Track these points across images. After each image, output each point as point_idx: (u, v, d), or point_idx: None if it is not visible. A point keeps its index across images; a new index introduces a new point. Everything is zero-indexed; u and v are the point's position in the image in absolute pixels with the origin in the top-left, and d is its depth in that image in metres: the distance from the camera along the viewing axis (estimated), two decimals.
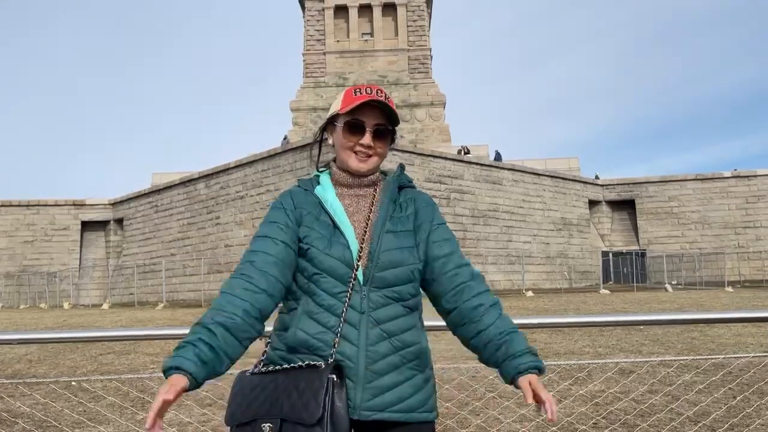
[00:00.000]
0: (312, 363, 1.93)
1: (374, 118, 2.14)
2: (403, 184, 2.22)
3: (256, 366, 2.07)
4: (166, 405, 1.71)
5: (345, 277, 2.01)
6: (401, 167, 2.26)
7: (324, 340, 1.98)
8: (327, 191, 2.16)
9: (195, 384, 1.81)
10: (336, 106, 2.19)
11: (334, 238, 2.05)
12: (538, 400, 1.89)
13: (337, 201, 2.13)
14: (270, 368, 1.99)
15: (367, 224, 2.10)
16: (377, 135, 2.15)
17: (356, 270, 2.01)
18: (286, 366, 1.96)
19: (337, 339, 1.97)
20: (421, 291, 2.17)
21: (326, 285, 2.02)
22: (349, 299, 2.00)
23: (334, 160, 2.24)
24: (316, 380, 1.87)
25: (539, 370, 1.96)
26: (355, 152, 2.15)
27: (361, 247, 2.04)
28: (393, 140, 2.24)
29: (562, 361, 8.46)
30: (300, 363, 1.95)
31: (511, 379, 1.95)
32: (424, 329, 2.17)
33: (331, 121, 2.22)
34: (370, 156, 2.15)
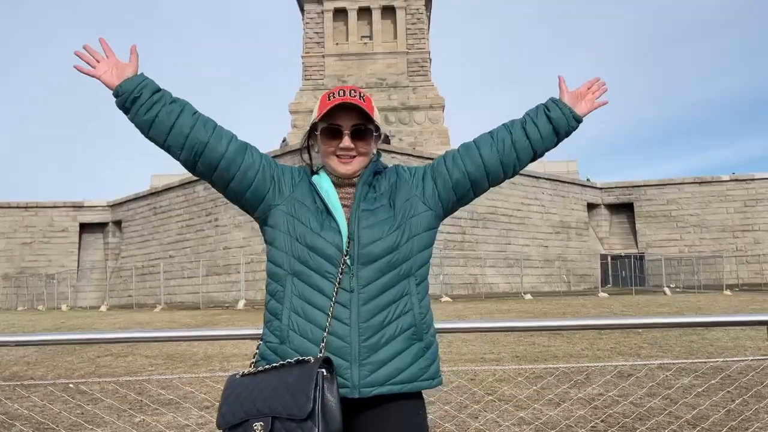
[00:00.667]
0: (301, 359, 1.95)
1: (351, 120, 2.16)
2: (378, 170, 2.25)
3: (249, 366, 2.10)
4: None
5: (334, 258, 2.05)
6: (377, 155, 2.28)
7: (317, 322, 2.02)
8: (323, 180, 2.21)
9: (132, 80, 2.13)
10: (314, 114, 2.23)
11: (326, 222, 2.09)
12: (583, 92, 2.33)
13: (333, 189, 2.18)
14: (259, 368, 2.01)
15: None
16: (356, 136, 2.17)
17: (346, 255, 2.05)
18: (275, 364, 1.98)
19: (329, 320, 2.01)
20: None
21: (316, 265, 2.05)
22: (339, 281, 2.03)
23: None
24: (306, 375, 1.89)
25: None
26: (338, 156, 2.18)
27: (350, 233, 2.08)
28: (380, 137, 2.26)
29: (560, 364, 8.45)
30: (289, 360, 1.97)
31: (554, 106, 2.27)
32: (424, 295, 2.17)
33: (312, 130, 2.25)
34: (353, 157, 2.18)
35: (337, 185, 2.20)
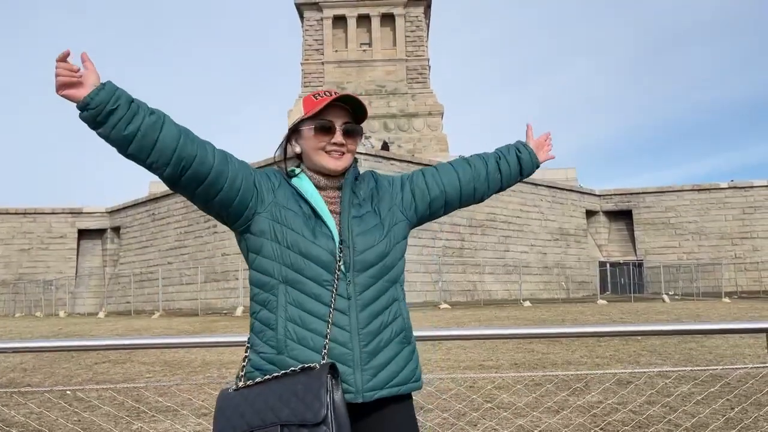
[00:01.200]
0: (306, 366, 1.95)
1: (341, 117, 2.21)
2: (356, 176, 2.29)
3: (238, 380, 2.06)
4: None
5: (330, 265, 2.05)
6: (355, 160, 2.33)
7: (317, 330, 2.02)
8: (304, 183, 2.20)
9: (97, 90, 1.87)
10: (297, 114, 2.23)
11: (318, 228, 2.08)
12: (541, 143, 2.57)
13: (317, 193, 2.18)
14: (257, 380, 1.98)
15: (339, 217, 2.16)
16: (347, 133, 2.21)
17: (340, 260, 2.06)
18: (276, 374, 1.97)
19: (328, 328, 2.01)
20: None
21: (312, 273, 2.04)
22: (336, 288, 2.04)
23: (298, 167, 2.26)
24: (315, 381, 1.90)
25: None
26: (328, 152, 2.19)
27: (342, 240, 2.10)
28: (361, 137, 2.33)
29: (559, 372, 8.43)
30: (293, 368, 1.96)
31: (524, 149, 2.50)
32: (405, 300, 2.26)
33: (295, 129, 2.23)
34: (343, 154, 2.20)
35: (320, 187, 2.20)
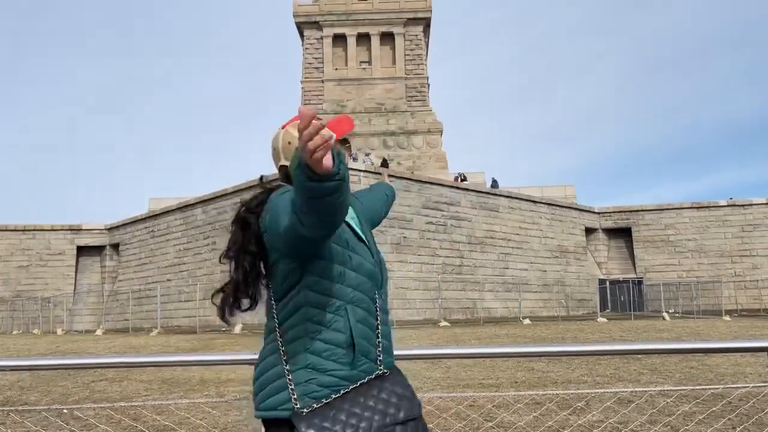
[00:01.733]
0: (379, 373, 2.11)
1: None
2: None
3: (295, 402, 2.02)
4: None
5: (378, 283, 2.21)
6: None
7: (374, 343, 2.16)
8: None
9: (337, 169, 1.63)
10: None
11: (364, 248, 2.23)
12: None
13: None
14: (333, 396, 2.03)
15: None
16: None
17: (381, 277, 2.24)
18: (354, 385, 2.06)
19: (378, 338, 2.16)
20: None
21: (371, 292, 2.18)
22: (377, 303, 2.19)
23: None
24: (399, 383, 2.12)
25: None
26: None
27: (376, 258, 2.27)
28: None
29: (560, 390, 8.37)
30: (369, 377, 2.09)
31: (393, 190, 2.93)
32: None
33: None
34: None
35: None
